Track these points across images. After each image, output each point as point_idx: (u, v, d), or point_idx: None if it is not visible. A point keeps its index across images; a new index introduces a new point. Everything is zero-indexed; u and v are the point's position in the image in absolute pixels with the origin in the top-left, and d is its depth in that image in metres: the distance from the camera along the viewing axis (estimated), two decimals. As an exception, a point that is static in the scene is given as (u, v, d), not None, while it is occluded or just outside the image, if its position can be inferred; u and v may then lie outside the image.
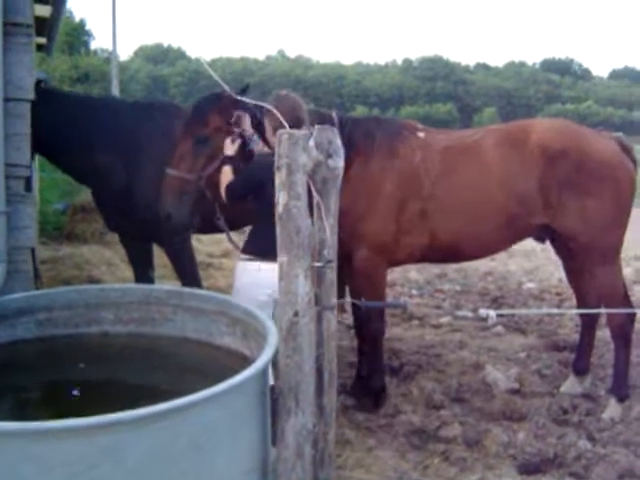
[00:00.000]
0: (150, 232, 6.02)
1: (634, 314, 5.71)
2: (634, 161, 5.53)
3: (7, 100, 3.95)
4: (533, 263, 11.85)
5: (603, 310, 5.76)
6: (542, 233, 5.75)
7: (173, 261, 6.30)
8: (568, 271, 6.25)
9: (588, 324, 6.12)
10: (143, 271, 6.41)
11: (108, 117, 5.85)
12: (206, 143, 4.87)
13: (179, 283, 6.31)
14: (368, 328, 5.71)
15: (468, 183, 5.43)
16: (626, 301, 5.62)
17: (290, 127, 4.07)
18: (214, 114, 4.89)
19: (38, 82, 5.56)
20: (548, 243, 6.14)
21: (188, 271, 6.22)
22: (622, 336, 5.57)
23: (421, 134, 5.61)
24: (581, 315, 6.24)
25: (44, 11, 7.90)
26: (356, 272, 5.59)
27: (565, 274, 6.41)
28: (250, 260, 4.55)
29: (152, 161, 5.79)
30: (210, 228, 6.64)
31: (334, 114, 5.48)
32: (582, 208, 5.30)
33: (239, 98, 4.63)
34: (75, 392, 3.52)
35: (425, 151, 5.47)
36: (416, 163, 5.42)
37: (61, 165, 6.11)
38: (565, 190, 5.30)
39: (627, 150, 5.53)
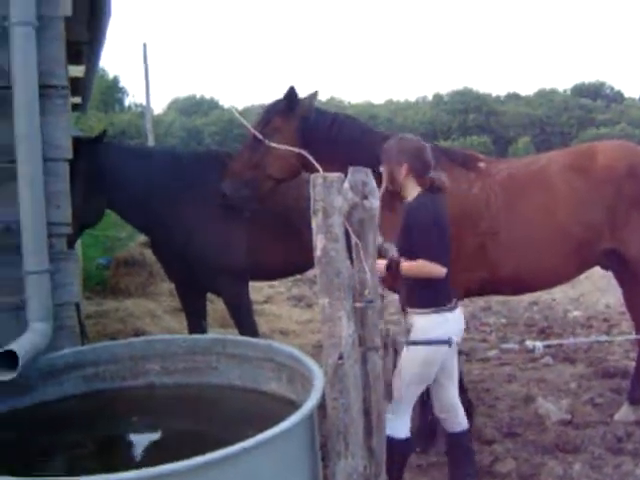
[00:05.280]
0: (210, 282, 6.14)
1: None
2: None
3: (46, 160, 4.03)
4: (578, 291, 11.71)
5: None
6: (608, 259, 5.57)
7: (231, 310, 6.36)
8: (628, 298, 6.05)
9: None
10: (197, 321, 6.48)
11: (170, 168, 6.00)
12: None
13: (222, 331, 6.34)
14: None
15: (534, 212, 5.30)
16: None
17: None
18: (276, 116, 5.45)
19: (101, 136, 5.80)
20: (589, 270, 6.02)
21: (245, 320, 6.28)
22: None
23: (482, 164, 5.51)
24: (639, 344, 6.07)
25: (78, 71, 8.07)
26: None
27: (624, 301, 6.21)
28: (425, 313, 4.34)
29: (212, 211, 5.90)
30: (265, 275, 6.81)
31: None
32: None
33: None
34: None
35: (485, 182, 5.35)
36: (474, 196, 5.29)
37: (124, 216, 6.25)
38: (632, 211, 5.22)
39: None
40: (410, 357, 4.22)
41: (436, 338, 4.15)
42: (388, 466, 4.45)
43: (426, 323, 4.27)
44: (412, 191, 4.40)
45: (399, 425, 4.37)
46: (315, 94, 5.59)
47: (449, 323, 4.31)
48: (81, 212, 5.32)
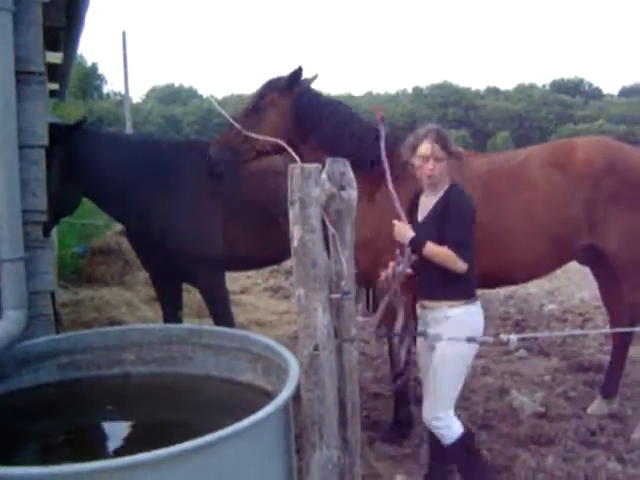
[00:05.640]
0: (186, 272, 6.11)
1: None
2: None
3: (22, 147, 4.00)
4: (553, 284, 11.80)
5: (628, 329, 5.69)
6: (585, 254, 5.60)
7: (207, 300, 6.34)
8: (604, 292, 6.12)
9: (620, 346, 6.01)
10: (172, 311, 6.45)
11: (149, 156, 5.95)
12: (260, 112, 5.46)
13: (199, 321, 6.32)
14: (391, 360, 5.66)
15: (512, 206, 5.31)
16: None
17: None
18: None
19: (80, 123, 5.73)
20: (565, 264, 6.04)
21: (221, 310, 6.26)
22: None
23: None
24: (613, 337, 6.13)
25: (56, 58, 8.01)
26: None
27: (601, 295, 6.28)
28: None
29: (189, 200, 5.88)
30: (240, 265, 6.79)
31: (382, 130, 5.50)
32: (627, 224, 5.23)
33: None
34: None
35: (465, 176, 5.26)
36: None
37: (100, 203, 6.18)
38: (610, 206, 5.24)
39: None
40: (455, 354, 4.17)
41: (476, 330, 4.19)
42: (471, 466, 4.43)
43: (465, 315, 4.22)
44: (445, 181, 4.31)
45: (454, 426, 4.33)
46: (314, 77, 5.66)
47: (481, 314, 4.36)
48: (57, 200, 5.28)
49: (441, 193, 4.28)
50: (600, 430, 5.57)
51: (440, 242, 4.12)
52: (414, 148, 4.25)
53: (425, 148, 4.18)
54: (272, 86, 5.53)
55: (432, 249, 4.11)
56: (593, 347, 8.03)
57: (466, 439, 4.38)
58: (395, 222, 4.28)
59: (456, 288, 4.22)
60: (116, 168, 5.77)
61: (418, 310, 4.42)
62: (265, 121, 5.41)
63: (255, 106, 5.50)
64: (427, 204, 4.35)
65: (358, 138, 5.38)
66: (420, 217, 4.37)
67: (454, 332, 4.02)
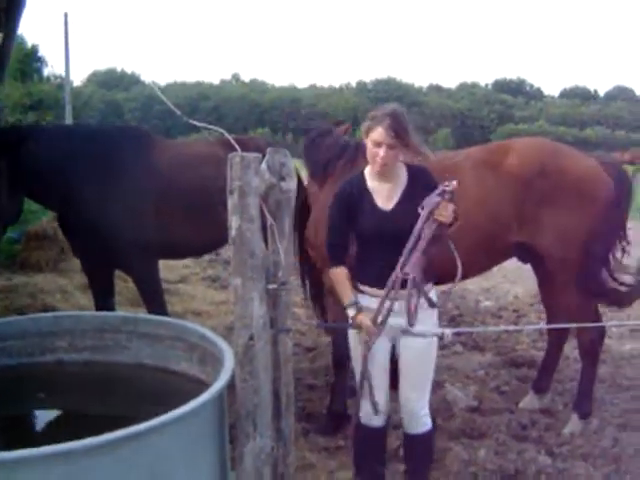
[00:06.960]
0: (118, 260, 6.03)
1: (604, 331, 5.74)
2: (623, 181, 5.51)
3: (-45, 128, 3.92)
4: (490, 282, 11.94)
5: (562, 325, 5.78)
6: (521, 252, 5.68)
7: (139, 288, 6.27)
8: (542, 289, 6.24)
9: (556, 343, 6.13)
10: (104, 299, 6.36)
11: (82, 144, 5.84)
12: None
13: (134, 310, 6.25)
14: (333, 352, 5.67)
15: None
16: (597, 319, 5.63)
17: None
18: None
19: (23, 139, 5.60)
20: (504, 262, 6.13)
21: (154, 299, 6.20)
22: (591, 353, 5.57)
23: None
24: (550, 334, 6.24)
25: (-6, 38, 7.85)
26: (325, 293, 5.60)
27: (540, 292, 6.40)
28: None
29: (122, 187, 5.79)
30: (176, 254, 6.75)
31: (332, 127, 5.54)
32: (558, 224, 5.26)
33: None
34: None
35: None
36: None
37: (30, 193, 6.02)
38: (542, 207, 5.28)
39: (609, 168, 5.51)
40: (435, 340, 4.25)
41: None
42: (433, 453, 4.57)
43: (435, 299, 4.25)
44: (396, 165, 4.14)
45: (428, 413, 4.41)
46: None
47: None
48: (4, 211, 5.28)
49: (404, 178, 4.14)
50: (531, 424, 5.68)
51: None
52: (368, 131, 4.02)
53: (378, 134, 3.94)
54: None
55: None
56: (526, 343, 8.16)
57: (435, 426, 4.48)
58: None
59: (431, 272, 4.10)
60: (50, 159, 5.66)
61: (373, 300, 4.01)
62: None
63: None
64: (387, 190, 4.13)
65: (320, 145, 5.48)
66: (387, 204, 4.10)
67: (432, 318, 4.16)
